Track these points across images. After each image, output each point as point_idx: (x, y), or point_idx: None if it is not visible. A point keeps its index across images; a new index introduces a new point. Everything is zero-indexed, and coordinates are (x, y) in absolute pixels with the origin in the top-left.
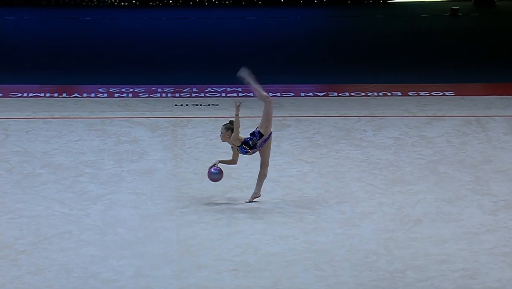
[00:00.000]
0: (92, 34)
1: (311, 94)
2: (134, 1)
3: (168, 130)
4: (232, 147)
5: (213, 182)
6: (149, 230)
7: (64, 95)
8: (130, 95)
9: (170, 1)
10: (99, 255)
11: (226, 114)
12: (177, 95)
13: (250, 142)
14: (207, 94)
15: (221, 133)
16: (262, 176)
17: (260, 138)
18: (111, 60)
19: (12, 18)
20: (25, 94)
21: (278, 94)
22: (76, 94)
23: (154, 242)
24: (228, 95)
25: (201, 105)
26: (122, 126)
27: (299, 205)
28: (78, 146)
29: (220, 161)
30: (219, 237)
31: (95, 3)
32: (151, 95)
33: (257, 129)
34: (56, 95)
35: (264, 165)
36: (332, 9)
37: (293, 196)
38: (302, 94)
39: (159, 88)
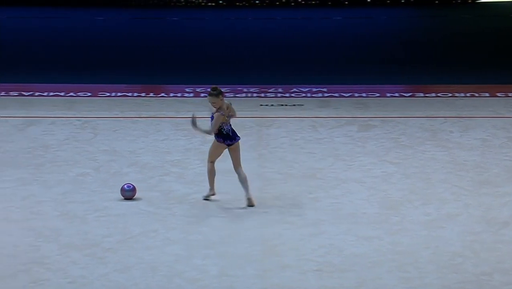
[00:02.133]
0: (179, 34)
1: (397, 94)
2: (221, 1)
3: (253, 130)
4: (215, 115)
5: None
6: (233, 229)
7: (151, 94)
8: None
9: (257, 1)
10: (183, 254)
11: (311, 114)
12: (262, 95)
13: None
14: (292, 94)
15: (213, 102)
16: (242, 179)
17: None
18: (198, 60)
19: (101, 18)
20: (113, 94)
21: (364, 95)
22: (163, 94)
23: (237, 242)
24: (313, 95)
25: (286, 105)
26: (208, 126)
27: (384, 206)
28: (164, 146)
29: (196, 127)
30: (303, 237)
31: (183, 3)
32: (236, 95)
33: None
34: (143, 94)
35: (236, 167)
36: (418, 9)
37: (378, 197)
38: (388, 94)
39: (244, 88)
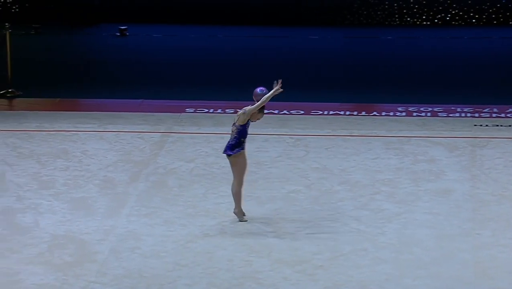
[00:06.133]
0: (393, 53)
1: None
2: (436, 21)
3: (466, 151)
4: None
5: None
6: (445, 250)
7: (363, 113)
8: (429, 114)
9: (473, 21)
10: (394, 273)
11: None
12: (476, 115)
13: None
14: (508, 115)
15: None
16: (234, 192)
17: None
18: (411, 79)
19: (316, 37)
20: (325, 112)
21: None
22: (375, 113)
23: (449, 263)
24: None
25: (501, 125)
26: (420, 146)
27: None
28: (375, 164)
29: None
30: None
31: (397, 22)
32: (450, 115)
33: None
34: (355, 113)
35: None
36: None
37: None
38: None
39: (458, 107)
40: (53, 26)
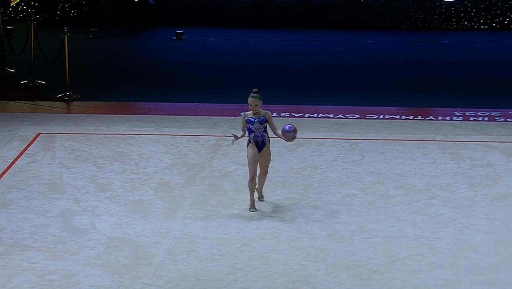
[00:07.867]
0: (449, 57)
1: None
2: (494, 25)
3: None
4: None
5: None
6: (503, 256)
7: (419, 117)
8: (486, 119)
9: None
10: (450, 279)
11: None
12: None
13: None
14: None
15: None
16: (261, 182)
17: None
18: (467, 83)
19: (373, 41)
20: (381, 116)
21: None
22: (431, 117)
23: (507, 269)
24: None
25: None
26: (477, 150)
27: None
28: (432, 169)
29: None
30: None
31: (454, 26)
32: (507, 119)
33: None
34: (411, 117)
35: (263, 173)
36: None
37: None
38: None
39: None
40: (111, 30)
